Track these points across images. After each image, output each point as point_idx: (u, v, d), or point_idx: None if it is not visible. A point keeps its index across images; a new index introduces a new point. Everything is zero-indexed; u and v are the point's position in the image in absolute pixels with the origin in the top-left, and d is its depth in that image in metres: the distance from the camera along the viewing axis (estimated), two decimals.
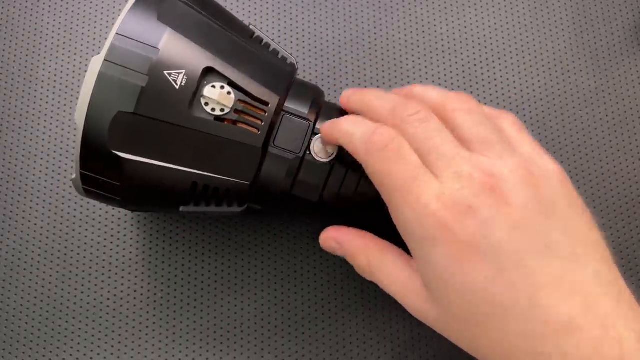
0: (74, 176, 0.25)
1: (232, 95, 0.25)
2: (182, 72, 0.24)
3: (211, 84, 0.25)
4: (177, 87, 0.24)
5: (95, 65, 0.24)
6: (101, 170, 0.25)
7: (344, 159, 0.26)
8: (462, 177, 0.22)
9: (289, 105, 0.26)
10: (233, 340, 0.31)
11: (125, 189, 0.25)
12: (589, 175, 0.34)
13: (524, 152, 0.24)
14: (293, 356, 0.31)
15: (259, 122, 0.25)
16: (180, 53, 0.24)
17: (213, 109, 0.25)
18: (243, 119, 0.25)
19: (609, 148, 0.34)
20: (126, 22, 0.24)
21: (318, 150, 0.26)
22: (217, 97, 0.24)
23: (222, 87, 0.25)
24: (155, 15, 0.25)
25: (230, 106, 0.25)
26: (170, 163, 0.25)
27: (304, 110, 0.26)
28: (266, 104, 0.25)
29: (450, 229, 0.21)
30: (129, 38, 0.24)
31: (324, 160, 0.26)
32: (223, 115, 0.25)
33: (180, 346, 0.31)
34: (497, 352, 0.22)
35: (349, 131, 0.24)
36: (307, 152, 0.26)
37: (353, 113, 0.27)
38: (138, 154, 0.24)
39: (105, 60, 0.24)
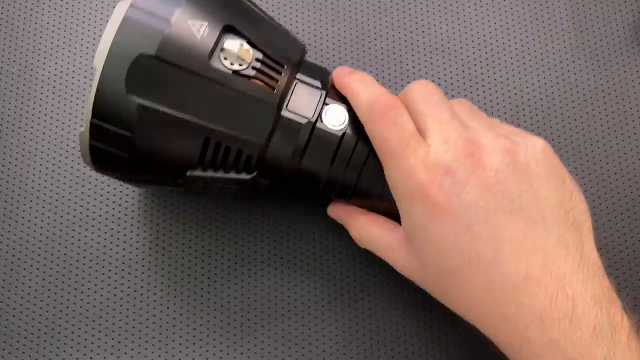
0: (82, 129, 0.25)
1: (251, 52, 0.25)
2: (205, 24, 0.25)
3: (231, 39, 0.25)
4: (199, 37, 0.25)
5: (121, 9, 0.24)
6: (114, 118, 0.24)
7: (354, 131, 0.26)
8: (448, 142, 0.24)
9: (302, 76, 0.27)
10: (233, 340, 0.31)
11: (136, 141, 0.25)
12: (589, 175, 0.34)
13: (507, 128, 0.26)
14: (293, 356, 0.31)
15: (275, 81, 0.26)
16: (204, 7, 0.25)
17: (232, 63, 0.25)
18: (260, 76, 0.26)
19: (609, 148, 0.34)
20: None
21: (329, 118, 0.26)
22: (237, 51, 0.25)
23: (242, 45, 0.25)
24: None
25: (249, 62, 0.25)
26: (186, 114, 0.25)
27: (316, 82, 0.27)
28: (282, 66, 0.26)
29: (428, 189, 0.24)
30: None
31: (335, 129, 0.26)
32: (241, 69, 0.25)
33: (180, 346, 0.31)
34: (464, 301, 0.25)
35: (356, 91, 0.26)
36: (319, 120, 0.26)
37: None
38: (154, 101, 0.24)
39: (131, 5, 0.24)
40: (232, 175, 0.26)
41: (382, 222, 0.28)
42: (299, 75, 0.27)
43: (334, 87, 0.28)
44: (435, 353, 0.31)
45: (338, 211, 0.30)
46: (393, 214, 0.27)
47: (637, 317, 0.23)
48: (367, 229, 0.28)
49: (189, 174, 0.26)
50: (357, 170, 0.27)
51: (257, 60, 0.26)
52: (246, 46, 0.25)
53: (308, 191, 0.28)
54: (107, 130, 0.25)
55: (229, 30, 0.25)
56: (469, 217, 0.23)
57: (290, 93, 0.26)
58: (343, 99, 0.27)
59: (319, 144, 0.26)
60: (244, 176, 0.26)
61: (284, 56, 0.26)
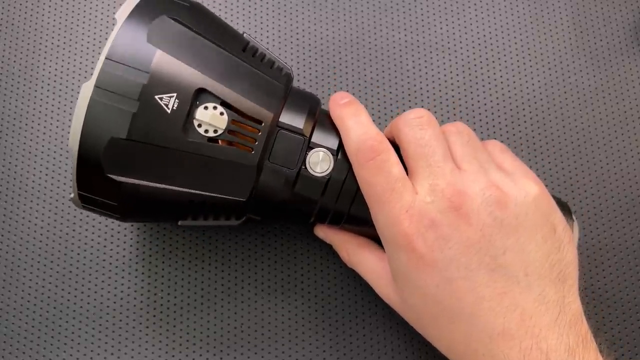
0: (72, 195, 0.25)
1: (225, 116, 0.25)
2: (173, 96, 0.24)
3: (203, 105, 0.24)
4: (169, 112, 0.24)
5: (86, 91, 0.23)
6: (98, 191, 0.25)
7: (340, 173, 0.26)
8: (435, 191, 0.24)
9: (284, 119, 0.26)
10: (233, 340, 0.31)
11: (123, 208, 0.25)
12: (589, 175, 0.34)
13: (506, 169, 0.26)
14: (293, 356, 0.31)
15: (253, 141, 0.25)
16: (170, 75, 0.24)
17: (206, 131, 0.24)
18: (237, 138, 0.25)
19: (609, 148, 0.34)
20: (115, 45, 0.24)
21: (314, 165, 0.26)
22: (210, 119, 0.24)
23: (215, 108, 0.24)
24: (145, 37, 0.24)
25: (224, 127, 0.24)
26: (166, 184, 0.25)
27: (299, 124, 0.26)
28: (260, 122, 0.25)
29: (412, 240, 0.24)
30: (119, 62, 0.24)
31: (320, 175, 0.26)
32: (217, 136, 0.25)
33: (180, 346, 0.31)
34: (442, 341, 0.25)
35: (346, 127, 0.26)
36: (303, 167, 0.26)
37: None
38: (133, 177, 0.24)
39: (95, 86, 0.23)
40: (222, 221, 0.27)
41: (372, 248, 0.28)
42: (281, 120, 0.26)
43: (324, 114, 0.28)
44: None
45: (327, 232, 0.30)
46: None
47: (612, 356, 0.24)
48: (357, 253, 0.29)
49: (180, 223, 0.27)
50: (346, 204, 0.27)
51: (233, 121, 0.25)
52: (219, 109, 0.24)
53: (299, 221, 0.28)
54: (94, 199, 0.25)
55: (200, 92, 0.24)
56: (450, 272, 0.23)
57: (271, 143, 0.25)
58: (333, 126, 0.27)
59: (304, 189, 0.26)
60: (233, 222, 0.27)
61: (263, 108, 0.25)
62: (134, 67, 0.24)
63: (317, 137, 0.26)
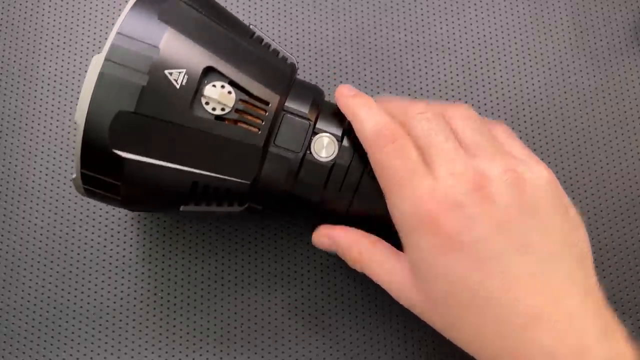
0: (74, 176, 0.25)
1: (233, 95, 0.25)
2: (182, 72, 0.24)
3: (212, 83, 0.25)
4: (178, 87, 0.24)
5: (96, 64, 0.24)
6: (102, 169, 0.25)
7: (344, 159, 0.26)
8: (455, 174, 0.24)
9: (290, 104, 0.26)
10: (233, 340, 0.31)
11: (125, 189, 0.25)
12: (589, 175, 0.34)
13: (516, 155, 0.25)
14: (293, 356, 0.31)
15: (259, 121, 0.25)
16: (180, 52, 0.24)
17: (214, 108, 0.25)
18: (244, 118, 0.25)
19: (609, 148, 0.34)
20: (127, 22, 0.24)
21: (319, 150, 0.26)
22: (218, 96, 0.24)
23: (223, 87, 0.25)
24: (156, 15, 0.25)
25: (231, 105, 0.25)
26: (171, 162, 0.25)
27: (304, 109, 0.26)
28: (267, 103, 0.25)
29: (438, 222, 0.23)
30: (130, 37, 0.24)
31: (325, 160, 0.26)
32: (224, 114, 0.25)
33: (180, 346, 0.31)
34: (470, 336, 0.24)
35: (360, 116, 0.26)
36: (308, 152, 0.26)
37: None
38: (139, 153, 0.24)
39: (105, 59, 0.24)
40: (225, 207, 0.27)
41: (384, 246, 0.27)
42: (286, 105, 0.26)
43: (328, 104, 0.28)
44: None
45: (332, 233, 0.28)
46: (391, 238, 0.26)
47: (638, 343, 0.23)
48: (369, 252, 0.27)
49: (182, 208, 0.26)
50: (350, 192, 0.26)
51: (241, 100, 0.25)
52: (227, 88, 0.25)
53: (301, 213, 0.28)
54: (97, 178, 0.25)
55: (209, 70, 0.25)
56: (479, 253, 0.23)
57: (277, 126, 0.26)
58: (336, 115, 0.27)
59: (309, 175, 0.26)
60: (236, 208, 0.27)
61: (269, 90, 0.25)
62: (145, 42, 0.24)
63: (322, 123, 0.26)
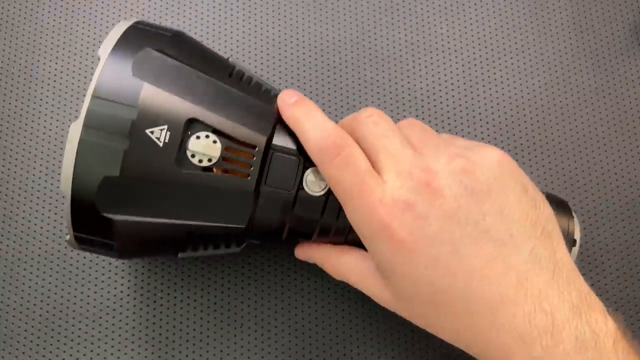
0: (68, 237, 0.25)
1: (219, 144, 0.24)
2: (164, 128, 0.23)
3: (195, 135, 0.24)
4: (161, 144, 0.23)
5: (75, 131, 0.23)
6: (94, 232, 0.24)
7: None
8: (402, 175, 0.24)
9: (277, 142, 0.26)
10: (233, 340, 0.31)
11: (120, 245, 0.25)
12: (589, 175, 0.34)
13: (459, 144, 0.26)
14: (293, 356, 0.31)
15: (248, 167, 0.25)
16: (159, 108, 0.24)
17: (200, 160, 0.24)
18: (232, 166, 0.25)
19: (609, 148, 0.34)
20: (101, 82, 0.23)
21: (311, 184, 0.26)
22: (203, 149, 0.24)
23: (207, 137, 0.24)
24: (130, 71, 0.24)
25: (217, 155, 0.24)
26: (163, 218, 0.24)
27: (292, 146, 0.26)
28: (254, 147, 0.25)
29: (390, 228, 0.23)
30: (106, 99, 0.23)
31: (318, 194, 0.26)
32: (211, 165, 0.24)
33: (180, 346, 0.31)
34: (444, 328, 0.24)
35: (302, 128, 0.25)
36: (300, 188, 0.25)
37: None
38: (129, 214, 0.24)
39: (84, 125, 0.23)
40: (222, 250, 0.27)
41: (352, 251, 0.27)
42: (274, 143, 0.25)
43: None
44: None
45: (308, 252, 0.29)
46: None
47: (621, 316, 0.23)
48: (339, 259, 0.27)
49: (180, 255, 0.26)
50: (346, 228, 0.26)
51: (227, 148, 0.24)
52: (212, 137, 0.24)
53: (298, 242, 0.28)
54: (91, 239, 0.25)
55: (191, 122, 0.24)
56: (435, 249, 0.23)
57: (267, 165, 0.25)
58: None
59: (304, 210, 0.26)
60: (234, 249, 0.27)
61: (254, 131, 0.25)
62: (122, 103, 0.23)
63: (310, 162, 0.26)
